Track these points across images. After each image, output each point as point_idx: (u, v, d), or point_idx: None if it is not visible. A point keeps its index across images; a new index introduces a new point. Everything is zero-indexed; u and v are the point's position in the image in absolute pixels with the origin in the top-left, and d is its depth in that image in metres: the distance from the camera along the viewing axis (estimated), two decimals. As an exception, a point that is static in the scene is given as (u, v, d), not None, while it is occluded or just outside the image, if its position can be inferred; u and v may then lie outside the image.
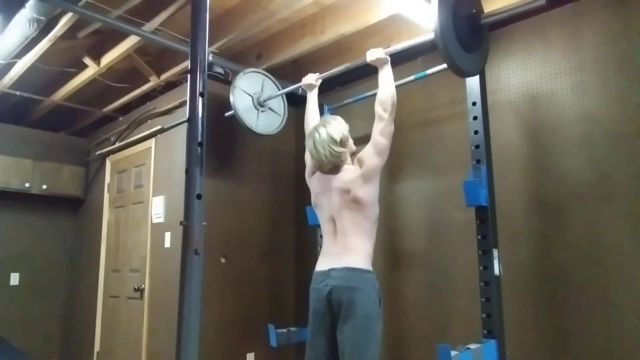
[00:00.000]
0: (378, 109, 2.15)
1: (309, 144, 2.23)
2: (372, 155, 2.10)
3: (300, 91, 3.53)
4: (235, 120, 2.93)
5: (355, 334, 1.94)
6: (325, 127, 2.18)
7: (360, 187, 2.08)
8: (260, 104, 3.05)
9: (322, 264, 2.13)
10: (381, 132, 2.11)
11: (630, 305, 2.12)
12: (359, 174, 2.10)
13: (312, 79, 2.56)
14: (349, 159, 2.24)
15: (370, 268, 2.06)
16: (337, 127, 2.19)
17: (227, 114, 3.02)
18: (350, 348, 1.94)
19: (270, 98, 3.07)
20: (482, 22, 2.14)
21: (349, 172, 2.16)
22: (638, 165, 2.16)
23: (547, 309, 2.37)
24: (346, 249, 2.06)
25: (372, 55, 2.25)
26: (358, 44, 3.16)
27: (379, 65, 2.24)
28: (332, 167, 2.18)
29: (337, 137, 2.15)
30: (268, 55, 3.26)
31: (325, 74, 2.55)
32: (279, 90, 3.12)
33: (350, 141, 2.27)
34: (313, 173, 2.32)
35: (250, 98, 3.01)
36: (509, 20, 2.64)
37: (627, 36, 2.25)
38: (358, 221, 2.08)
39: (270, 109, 3.11)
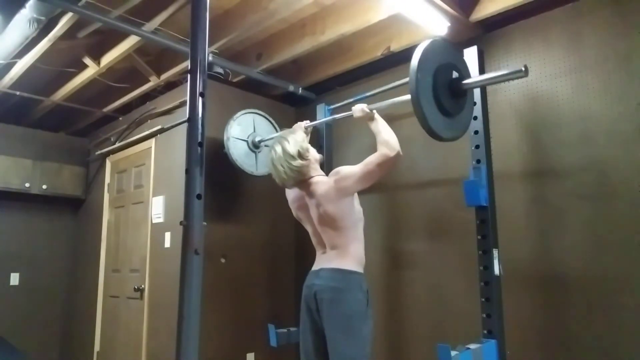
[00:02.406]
0: (382, 148, 2.01)
1: (268, 164, 2.22)
2: (355, 178, 2.03)
3: (300, 91, 3.56)
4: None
5: (338, 333, 1.97)
6: (280, 144, 2.15)
7: (333, 202, 2.05)
8: (255, 146, 3.06)
9: (316, 265, 2.20)
10: (380, 164, 2.00)
11: (630, 305, 2.12)
12: (333, 187, 2.06)
13: (301, 126, 2.45)
14: (316, 169, 2.21)
15: (359, 270, 2.09)
16: (292, 141, 2.14)
17: (224, 149, 3.00)
18: (332, 347, 1.98)
19: (263, 140, 3.08)
20: (464, 87, 2.01)
21: (321, 185, 2.12)
22: (638, 165, 2.16)
23: (547, 309, 2.37)
24: (337, 255, 2.10)
25: (358, 112, 2.20)
26: (358, 44, 3.16)
27: (368, 120, 2.18)
28: (296, 182, 2.16)
29: (294, 151, 2.11)
30: (268, 55, 3.26)
31: (313, 123, 2.55)
32: (271, 122, 3.18)
33: (312, 151, 2.22)
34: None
35: (245, 143, 3.02)
36: (508, 20, 2.65)
37: (627, 36, 2.25)
38: (341, 232, 2.09)
39: (266, 146, 3.09)
